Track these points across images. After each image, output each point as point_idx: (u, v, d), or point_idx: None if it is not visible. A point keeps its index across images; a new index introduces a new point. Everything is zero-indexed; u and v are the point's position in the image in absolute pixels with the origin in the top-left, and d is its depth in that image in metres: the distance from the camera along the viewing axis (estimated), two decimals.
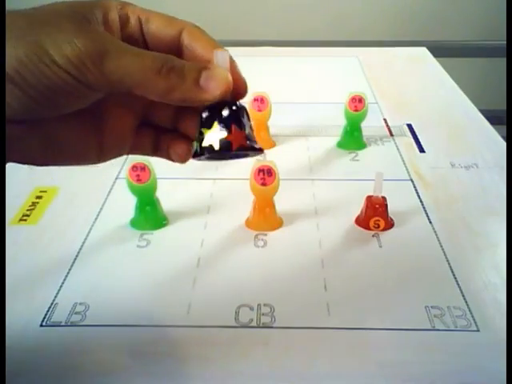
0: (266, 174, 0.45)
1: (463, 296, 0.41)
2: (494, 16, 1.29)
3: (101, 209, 0.51)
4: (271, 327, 0.38)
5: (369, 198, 0.48)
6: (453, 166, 0.59)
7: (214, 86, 0.28)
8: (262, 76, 0.85)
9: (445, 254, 0.45)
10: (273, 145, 0.63)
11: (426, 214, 0.50)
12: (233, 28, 1.31)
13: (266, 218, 0.48)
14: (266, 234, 0.48)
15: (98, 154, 0.32)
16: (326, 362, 0.35)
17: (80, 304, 0.40)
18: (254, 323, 0.38)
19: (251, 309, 0.39)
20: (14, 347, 0.35)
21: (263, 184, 0.46)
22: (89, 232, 0.48)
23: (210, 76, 0.28)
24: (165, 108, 0.32)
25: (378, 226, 0.48)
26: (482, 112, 0.72)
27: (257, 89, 0.60)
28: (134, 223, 0.49)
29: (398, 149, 0.62)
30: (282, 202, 0.49)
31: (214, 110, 0.29)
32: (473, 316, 0.39)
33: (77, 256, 0.45)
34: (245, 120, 0.30)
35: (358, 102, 0.60)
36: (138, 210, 0.48)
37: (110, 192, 0.54)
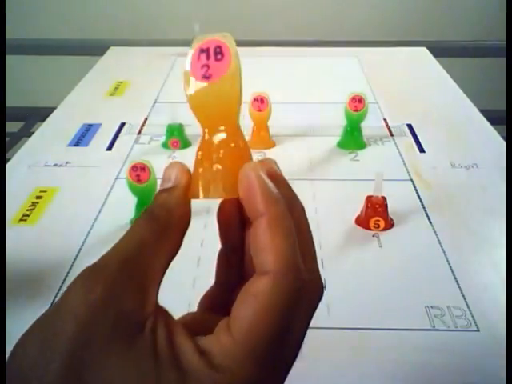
0: None
1: (463, 296, 0.41)
2: (494, 16, 1.29)
3: (101, 209, 0.52)
4: None
5: (369, 197, 0.48)
6: (453, 166, 0.59)
7: None
8: (262, 76, 0.85)
9: (445, 254, 0.45)
10: (273, 145, 0.63)
11: (426, 214, 0.50)
12: (233, 28, 1.30)
13: None
14: None
15: None
16: (325, 361, 0.35)
17: None
18: None
19: None
20: None
21: None
22: (89, 232, 0.48)
23: None
24: None
25: (378, 226, 0.48)
26: (482, 112, 0.72)
27: (257, 89, 0.60)
28: None
29: (397, 149, 0.62)
30: None
31: None
32: (473, 316, 0.39)
33: (77, 256, 0.45)
34: None
35: (358, 102, 0.60)
36: (137, 210, 0.48)
37: (109, 192, 0.54)
